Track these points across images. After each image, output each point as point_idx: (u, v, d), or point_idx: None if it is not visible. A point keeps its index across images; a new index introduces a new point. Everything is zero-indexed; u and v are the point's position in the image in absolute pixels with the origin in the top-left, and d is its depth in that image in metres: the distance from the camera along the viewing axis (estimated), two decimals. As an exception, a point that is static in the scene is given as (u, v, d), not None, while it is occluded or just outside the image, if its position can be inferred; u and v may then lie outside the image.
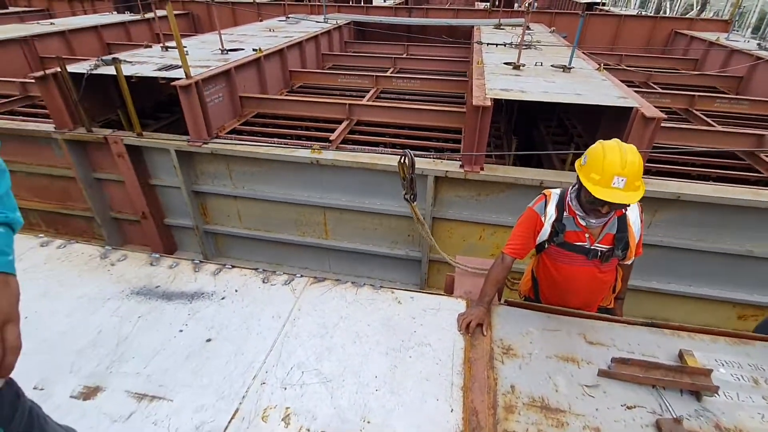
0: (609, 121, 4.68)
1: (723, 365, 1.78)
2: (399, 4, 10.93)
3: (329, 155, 4.45)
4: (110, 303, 1.91)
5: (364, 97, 6.04)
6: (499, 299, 2.09)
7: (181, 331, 1.79)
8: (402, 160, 1.98)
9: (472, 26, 7.99)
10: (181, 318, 1.85)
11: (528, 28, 7.69)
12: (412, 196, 2.08)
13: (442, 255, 2.50)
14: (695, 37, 8.38)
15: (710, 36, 8.21)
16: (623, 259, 1.97)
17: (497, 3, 9.51)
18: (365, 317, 1.91)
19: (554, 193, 1.94)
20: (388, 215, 4.68)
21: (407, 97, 6.34)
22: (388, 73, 6.90)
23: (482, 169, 4.23)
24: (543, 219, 1.91)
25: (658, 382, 1.64)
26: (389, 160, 4.31)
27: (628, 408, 1.58)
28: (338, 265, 5.34)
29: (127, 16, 9.45)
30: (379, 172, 4.35)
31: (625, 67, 7.47)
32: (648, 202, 3.94)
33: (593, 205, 1.75)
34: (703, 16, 9.26)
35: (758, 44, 7.72)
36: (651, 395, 1.64)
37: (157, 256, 2.20)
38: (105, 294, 1.95)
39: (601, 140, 1.77)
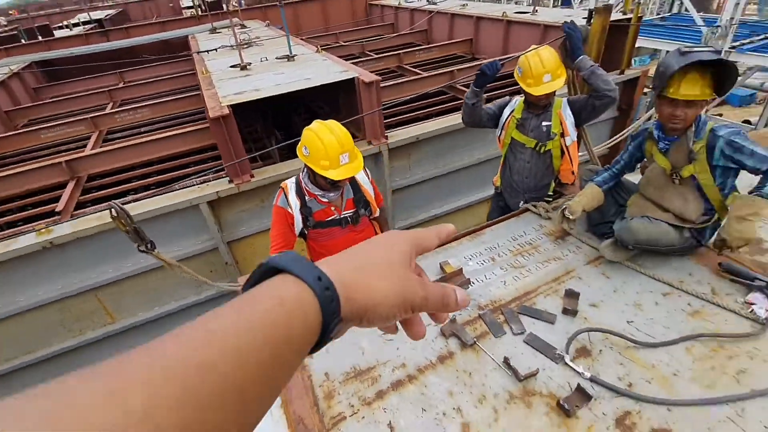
0: (345, 94, 5.12)
1: (470, 259, 2.22)
2: (91, 29, 9.28)
3: (65, 229, 3.56)
4: None
5: (86, 146, 5.01)
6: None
7: None
8: (113, 214, 1.68)
9: (187, 36, 7.46)
10: None
11: (243, 26, 7.65)
12: (147, 246, 1.80)
13: (220, 286, 2.32)
14: (384, 5, 9.91)
15: (394, 2, 9.84)
16: (371, 215, 2.20)
17: (204, 8, 9.10)
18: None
19: (290, 183, 2.01)
20: (179, 261, 4.13)
21: (143, 129, 5.56)
22: (107, 111, 5.87)
23: (252, 176, 4.10)
24: (290, 210, 1.96)
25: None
26: (146, 205, 3.75)
27: (420, 334, 1.81)
28: (145, 343, 4.49)
29: None
30: (144, 222, 3.75)
31: (342, 43, 8.31)
32: (401, 151, 4.57)
33: (335, 186, 1.89)
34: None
35: (427, 1, 9.65)
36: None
37: None
38: None
39: (308, 127, 1.88)
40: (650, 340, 1.70)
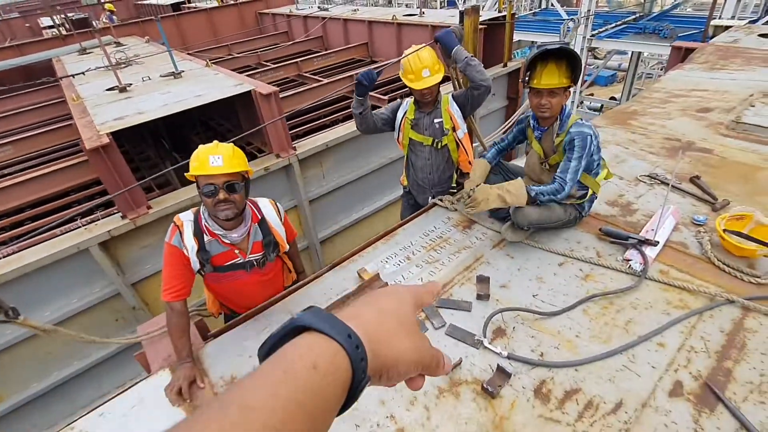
0: (243, 108, 4.89)
1: (386, 261, 2.24)
2: None
3: None
4: None
5: (-74, 200, 4.15)
6: (205, 338, 1.91)
7: None
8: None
9: (51, 59, 6.57)
10: None
11: (118, 44, 6.95)
12: (9, 313, 1.52)
13: (116, 341, 2.07)
14: (276, 14, 9.68)
15: (285, 10, 9.65)
16: (279, 254, 2.04)
17: (68, 26, 8.08)
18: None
19: (186, 220, 1.79)
20: (72, 317, 3.61)
21: (6, 171, 4.77)
22: (-45, 153, 4.94)
23: (149, 207, 3.73)
24: (186, 252, 1.76)
25: (353, 310, 1.89)
26: (22, 258, 3.22)
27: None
28: (48, 417, 3.86)
29: None
30: (16, 280, 3.22)
31: (235, 55, 7.94)
32: (312, 160, 4.48)
33: (211, 196, 1.68)
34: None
35: (319, 7, 9.63)
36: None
37: None
38: None
39: (197, 149, 1.73)
40: (553, 309, 1.86)
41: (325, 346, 0.36)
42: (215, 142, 1.75)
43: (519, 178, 2.16)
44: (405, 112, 2.61)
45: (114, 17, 9.98)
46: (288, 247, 2.03)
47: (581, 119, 2.07)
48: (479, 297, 1.95)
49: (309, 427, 0.32)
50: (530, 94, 2.06)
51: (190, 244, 1.74)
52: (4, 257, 3.32)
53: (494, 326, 1.82)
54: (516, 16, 6.17)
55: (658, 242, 2.11)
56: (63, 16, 8.45)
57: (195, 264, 1.77)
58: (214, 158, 1.63)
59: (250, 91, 4.20)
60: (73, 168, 4.21)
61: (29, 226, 3.95)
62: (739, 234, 2.04)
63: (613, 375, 1.59)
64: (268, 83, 4.46)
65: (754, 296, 1.83)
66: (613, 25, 10.47)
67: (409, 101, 2.64)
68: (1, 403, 3.55)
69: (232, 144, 1.76)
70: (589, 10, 9.22)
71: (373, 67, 2.54)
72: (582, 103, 12.78)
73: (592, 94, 15.63)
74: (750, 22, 7.74)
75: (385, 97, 5.39)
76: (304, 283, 2.14)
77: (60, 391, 3.81)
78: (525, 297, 1.95)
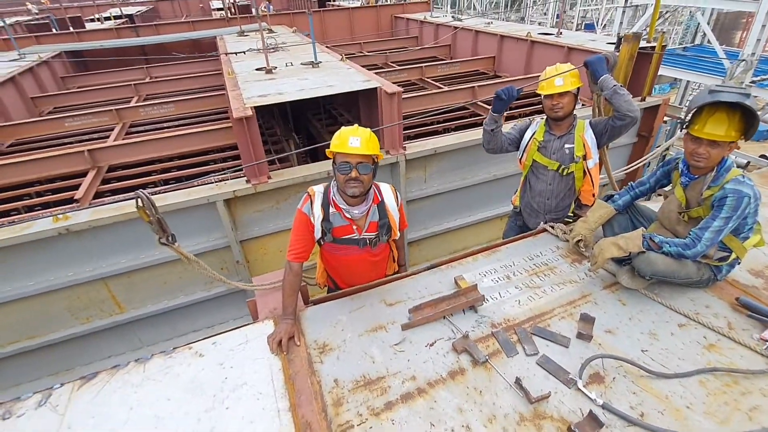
0: (365, 102, 5.18)
1: (485, 275, 2.22)
2: (121, 24, 9.55)
3: (83, 217, 3.63)
4: None
5: (108, 137, 5.12)
6: (306, 302, 2.09)
7: None
8: (139, 204, 1.72)
9: (215, 37, 7.64)
10: None
11: (270, 30, 7.81)
12: (169, 238, 1.83)
13: (232, 284, 2.35)
14: (410, 19, 10.06)
15: (419, 16, 9.98)
16: (390, 238, 2.17)
17: (234, 10, 9.32)
18: (162, 392, 1.63)
19: (318, 192, 1.99)
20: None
21: (166, 124, 5.67)
22: (132, 104, 6.01)
23: (269, 177, 4.15)
24: (312, 219, 1.96)
25: (445, 312, 1.92)
26: (165, 199, 3.81)
27: (431, 345, 1.81)
28: (152, 335, 4.52)
29: None
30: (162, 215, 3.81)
31: (366, 53, 8.42)
32: (417, 162, 4.60)
33: (345, 173, 1.83)
34: (409, 0, 11.17)
35: (452, 17, 9.78)
36: (444, 326, 1.92)
37: None
38: None
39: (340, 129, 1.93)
40: (664, 371, 1.68)
41: None
42: (356, 125, 1.91)
43: (642, 227, 1.99)
44: (534, 133, 2.55)
45: (271, 6, 11.26)
46: (398, 235, 2.14)
47: (743, 175, 1.83)
48: (580, 336, 1.84)
49: None
50: (687, 139, 1.88)
51: (317, 213, 1.94)
52: (154, 195, 3.97)
53: (592, 370, 1.71)
54: (666, 48, 5.61)
55: (814, 331, 1.79)
56: (231, 0, 9.74)
57: (318, 232, 1.96)
58: (354, 139, 1.79)
59: (376, 88, 4.43)
60: (218, 131, 4.86)
61: (176, 173, 4.64)
62: None
63: (728, 463, 1.40)
64: (392, 83, 4.67)
65: None
66: (784, 73, 8.95)
67: (539, 122, 2.57)
68: (122, 314, 4.24)
69: (369, 129, 1.90)
70: (753, 54, 8.02)
71: (513, 82, 2.50)
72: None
73: (738, 148, 13.54)
74: None
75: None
76: (401, 276, 2.22)
77: (165, 317, 4.44)
78: (633, 349, 1.80)
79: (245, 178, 4.09)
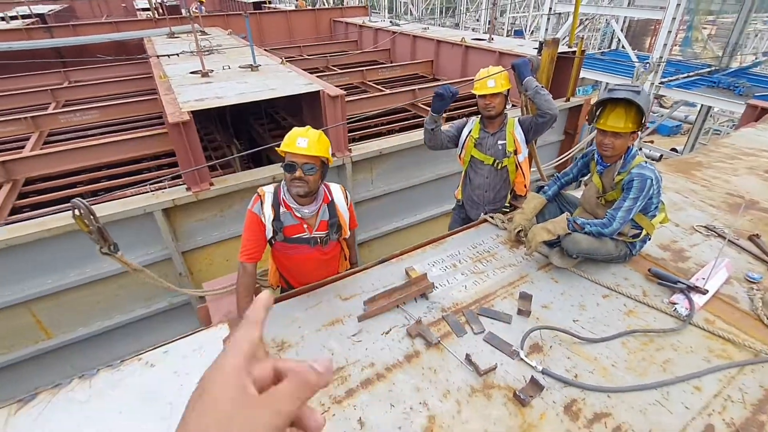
0: (308, 106, 5.18)
1: (433, 265, 2.35)
2: (31, 24, 8.68)
3: (-2, 235, 3.29)
4: None
5: (24, 147, 4.67)
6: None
7: None
8: (76, 213, 1.62)
9: (142, 38, 7.22)
10: None
11: (204, 32, 7.53)
12: (111, 247, 1.75)
13: (183, 292, 2.28)
14: (349, 23, 10.16)
15: (358, 20, 10.11)
16: (341, 237, 2.22)
17: (162, 11, 8.85)
18: (113, 405, 1.56)
19: (268, 192, 2.00)
20: (126, 272, 3.92)
21: (90, 132, 5.27)
22: (50, 110, 5.52)
23: (212, 184, 4.02)
24: (263, 219, 1.96)
25: (398, 301, 2.02)
26: (98, 211, 3.54)
27: (386, 333, 1.89)
28: (87, 361, 4.16)
29: None
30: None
31: (306, 56, 8.39)
32: (363, 163, 4.68)
33: (290, 172, 1.88)
34: (347, 4, 11.29)
35: (390, 22, 10.02)
36: (398, 314, 2.01)
37: None
38: None
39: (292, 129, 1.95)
40: (592, 336, 1.90)
41: None
42: (308, 127, 1.95)
43: (566, 213, 2.23)
44: (470, 131, 2.74)
45: (203, 8, 10.81)
46: (349, 234, 2.20)
47: (646, 162, 2.12)
48: (520, 312, 2.02)
49: None
50: (597, 133, 2.14)
51: (268, 213, 1.94)
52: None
53: (532, 341, 1.89)
54: (585, 53, 6.19)
55: (708, 291, 2.10)
56: (158, 0, 9.23)
57: (269, 231, 1.97)
58: (302, 140, 1.83)
59: (319, 91, 4.46)
60: (152, 138, 4.61)
61: (106, 183, 4.34)
62: (795, 297, 2.00)
63: (645, 407, 1.62)
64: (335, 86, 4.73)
65: (804, 361, 1.80)
66: (685, 75, 10.20)
67: (474, 120, 2.77)
68: (50, 340, 3.88)
69: (321, 132, 1.95)
70: (661, 57, 9.06)
71: (451, 84, 2.65)
72: (641, 149, 12.43)
73: (652, 142, 15.17)
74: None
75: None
76: (354, 272, 2.28)
77: (100, 340, 4.12)
78: (565, 320, 2.00)
79: (185, 186, 3.93)
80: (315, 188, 1.97)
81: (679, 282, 2.14)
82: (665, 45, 8.95)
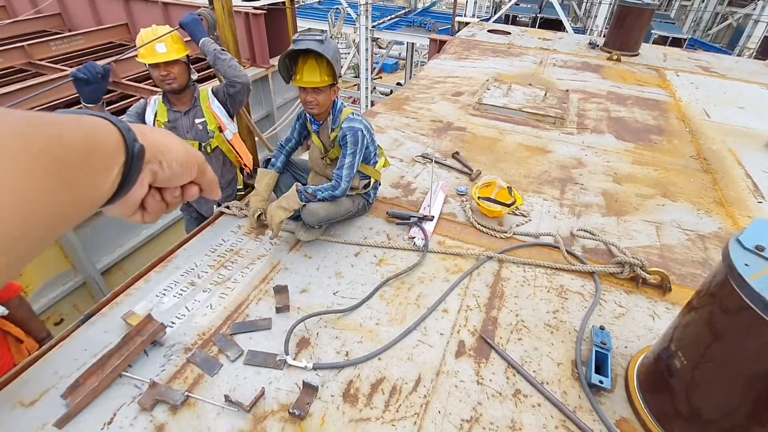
0: None
1: (164, 294, 1.85)
2: None
3: None
4: None
5: None
6: None
7: None
8: None
9: None
10: None
11: None
12: None
13: None
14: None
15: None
16: None
17: None
18: None
19: None
20: None
21: None
22: None
23: None
24: None
25: (118, 369, 1.48)
26: None
27: (109, 424, 1.37)
28: None
29: None
30: None
31: None
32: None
33: None
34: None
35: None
36: (124, 386, 1.49)
37: None
38: None
39: None
40: (354, 302, 1.85)
41: (102, 122, 0.40)
42: None
43: (296, 183, 2.06)
44: (155, 114, 2.17)
45: None
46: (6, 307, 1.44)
47: (353, 113, 2.08)
48: (278, 310, 1.79)
49: (56, 182, 0.31)
50: (299, 89, 1.95)
51: None
52: None
53: (297, 338, 1.70)
54: (298, 2, 6.06)
55: (434, 216, 2.35)
56: None
57: None
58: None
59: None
60: None
61: None
62: (488, 199, 2.44)
63: (411, 353, 1.68)
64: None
65: (505, 249, 2.22)
66: (390, 17, 11.59)
67: (157, 99, 2.20)
68: None
69: None
70: (367, 2, 9.90)
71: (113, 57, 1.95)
72: (375, 89, 13.88)
73: (380, 78, 17.19)
74: (482, 20, 9.66)
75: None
76: (40, 353, 1.57)
77: None
78: (326, 297, 1.89)
79: None
80: None
81: (411, 216, 2.32)
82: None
